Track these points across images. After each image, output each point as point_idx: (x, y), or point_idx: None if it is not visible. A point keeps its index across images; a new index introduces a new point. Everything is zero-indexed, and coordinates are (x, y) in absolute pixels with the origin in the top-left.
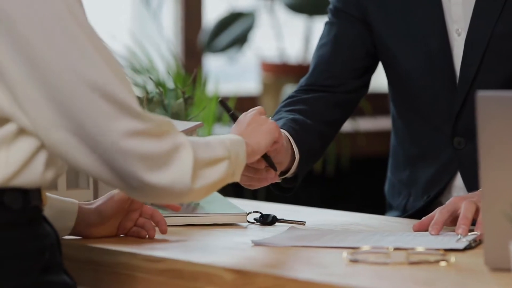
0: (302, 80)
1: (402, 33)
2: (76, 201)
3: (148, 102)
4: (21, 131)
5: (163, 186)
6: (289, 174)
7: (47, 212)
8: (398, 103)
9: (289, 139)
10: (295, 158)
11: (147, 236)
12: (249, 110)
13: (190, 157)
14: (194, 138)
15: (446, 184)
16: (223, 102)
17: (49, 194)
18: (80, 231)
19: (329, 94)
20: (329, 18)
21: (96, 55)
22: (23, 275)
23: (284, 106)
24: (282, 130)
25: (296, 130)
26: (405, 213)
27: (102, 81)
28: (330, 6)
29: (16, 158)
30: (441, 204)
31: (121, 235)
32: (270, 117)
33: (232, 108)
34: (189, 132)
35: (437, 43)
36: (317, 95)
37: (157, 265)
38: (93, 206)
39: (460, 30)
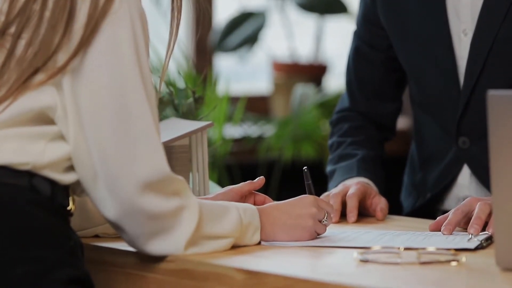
0: (344, 103)
1: (408, 34)
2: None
3: (158, 102)
4: (61, 137)
5: (155, 253)
6: None
7: None
8: (413, 103)
9: (371, 185)
10: None
11: None
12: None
13: (193, 225)
14: (208, 208)
15: (449, 182)
16: (306, 172)
17: None
18: None
19: (374, 119)
20: (356, 26)
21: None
22: (52, 249)
23: (343, 135)
24: (366, 180)
25: (370, 171)
26: (411, 211)
27: (139, 127)
28: (357, 14)
29: (50, 155)
30: (442, 202)
31: None
32: (329, 143)
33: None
34: (199, 131)
35: (441, 44)
36: (365, 121)
37: (168, 265)
38: (211, 196)
39: (467, 30)
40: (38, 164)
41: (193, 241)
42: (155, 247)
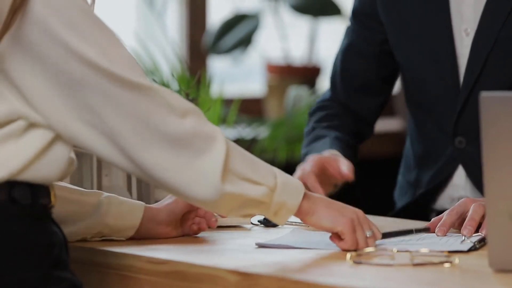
0: (325, 96)
1: (409, 31)
2: (143, 202)
3: None
4: (31, 125)
5: (191, 190)
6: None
7: (114, 210)
8: (409, 102)
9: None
10: None
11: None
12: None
13: (222, 153)
14: (237, 147)
15: (443, 181)
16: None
17: (116, 196)
18: (149, 229)
19: (353, 111)
20: (349, 22)
21: (93, 31)
22: (34, 268)
23: (319, 121)
24: (333, 151)
25: (343, 148)
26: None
27: (103, 59)
28: (351, 8)
29: (25, 152)
30: (436, 200)
31: (176, 235)
32: (305, 131)
33: None
34: None
35: (442, 42)
36: (343, 111)
37: (161, 267)
38: (162, 205)
39: (469, 30)
40: (14, 171)
41: (226, 175)
42: (190, 181)
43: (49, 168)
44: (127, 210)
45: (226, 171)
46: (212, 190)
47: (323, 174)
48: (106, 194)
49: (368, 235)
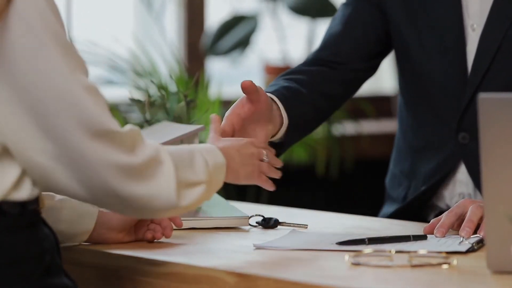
0: (309, 55)
1: (419, 23)
2: (96, 207)
3: (150, 105)
4: (5, 151)
5: (140, 198)
6: (276, 139)
7: (67, 215)
8: (406, 93)
9: (277, 105)
10: (283, 123)
11: (155, 240)
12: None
13: (172, 173)
14: (178, 155)
15: (445, 175)
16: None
17: (69, 199)
18: (101, 235)
19: (331, 69)
20: (346, 0)
21: (67, 71)
22: (25, 279)
23: (283, 75)
24: (271, 95)
25: (286, 96)
26: (404, 204)
27: (79, 104)
28: None
29: (5, 179)
30: (437, 197)
31: (129, 241)
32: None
33: None
34: (190, 135)
35: (452, 37)
36: (319, 68)
37: (159, 268)
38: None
39: (475, 26)
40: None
41: (179, 191)
42: (131, 188)
43: (31, 188)
44: (80, 215)
45: (179, 186)
46: (170, 208)
47: (240, 121)
48: (58, 197)
49: (266, 160)
